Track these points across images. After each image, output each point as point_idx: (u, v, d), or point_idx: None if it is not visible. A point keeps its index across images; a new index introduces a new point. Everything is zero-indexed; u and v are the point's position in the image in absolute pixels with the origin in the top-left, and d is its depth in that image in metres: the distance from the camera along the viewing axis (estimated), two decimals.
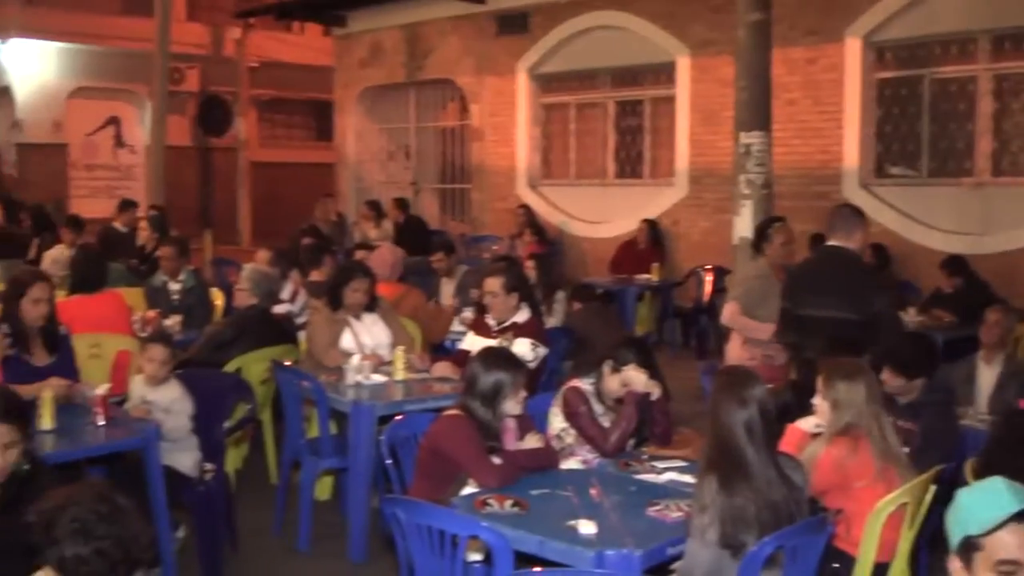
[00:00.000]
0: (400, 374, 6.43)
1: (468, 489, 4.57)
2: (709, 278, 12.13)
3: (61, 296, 6.83)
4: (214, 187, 25.49)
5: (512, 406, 4.81)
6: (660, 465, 4.90)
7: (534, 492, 4.44)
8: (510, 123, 15.70)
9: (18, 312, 5.80)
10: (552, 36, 14.91)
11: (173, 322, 8.11)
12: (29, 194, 19.66)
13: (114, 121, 25.32)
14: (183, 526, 5.82)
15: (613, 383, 5.31)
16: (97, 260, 7.78)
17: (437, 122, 17.95)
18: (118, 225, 13.14)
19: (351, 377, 6.28)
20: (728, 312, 7.37)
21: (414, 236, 13.13)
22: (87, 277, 7.41)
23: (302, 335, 7.52)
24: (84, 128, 24.70)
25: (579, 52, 14.74)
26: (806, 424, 4.72)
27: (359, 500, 6.01)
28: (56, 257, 10.61)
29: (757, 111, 9.36)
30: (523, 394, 4.88)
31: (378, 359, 6.66)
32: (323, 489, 6.86)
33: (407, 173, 18.43)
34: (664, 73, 13.87)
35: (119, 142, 25.43)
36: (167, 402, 5.76)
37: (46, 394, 5.23)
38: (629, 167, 14.76)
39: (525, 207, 14.86)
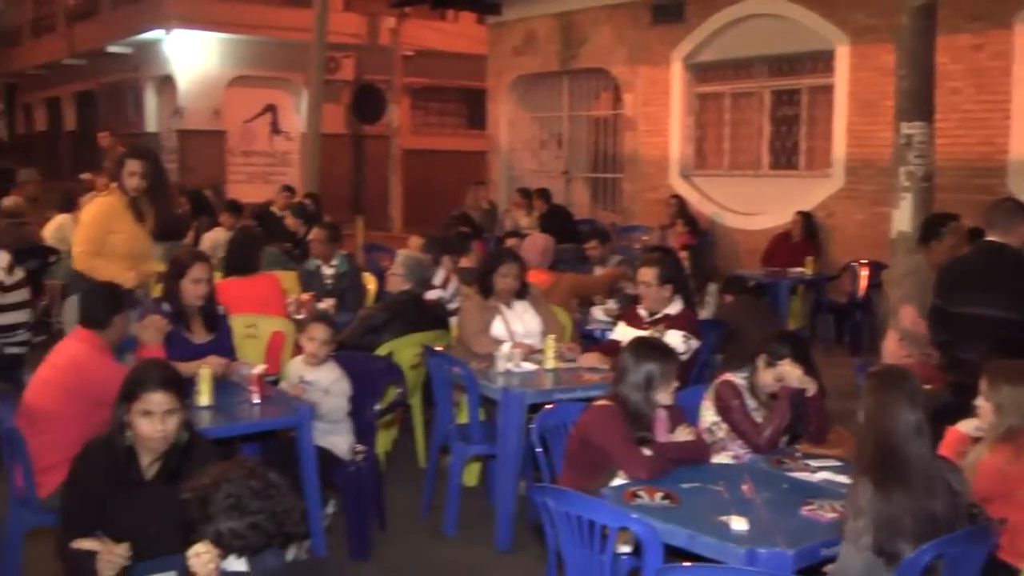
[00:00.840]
0: (550, 363, 6.40)
1: (617, 480, 4.52)
2: (864, 273, 11.80)
3: (218, 278, 6.99)
4: (366, 174, 25.93)
5: (663, 396, 4.75)
6: (814, 464, 4.77)
7: (685, 485, 4.37)
8: (664, 113, 15.53)
9: (179, 291, 5.96)
10: (708, 25, 14.69)
11: (327, 305, 8.24)
12: (188, 179, 20.28)
13: (271, 109, 25.97)
14: (332, 501, 5.90)
15: (767, 377, 5.19)
16: (255, 242, 7.93)
17: (590, 111, 17.87)
18: (275, 209, 13.46)
19: (501, 364, 6.28)
20: (909, 316, 7.02)
21: (558, 225, 13.10)
22: (245, 259, 7.56)
23: (453, 321, 7.55)
24: (242, 115, 25.40)
25: (735, 41, 14.50)
26: (966, 427, 4.54)
27: (506, 487, 6.01)
28: (215, 240, 10.90)
29: (919, 101, 9.05)
30: (674, 384, 4.81)
31: (529, 347, 6.64)
32: (471, 475, 6.88)
33: (559, 162, 18.41)
34: (822, 61, 13.54)
35: (275, 129, 26.08)
36: (327, 383, 5.85)
37: (204, 371, 5.36)
38: (784, 158, 14.47)
39: (677, 197, 14.70)
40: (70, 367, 5.05)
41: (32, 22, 33.70)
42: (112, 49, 26.54)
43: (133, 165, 6.86)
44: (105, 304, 5.34)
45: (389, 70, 24.34)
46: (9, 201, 11.81)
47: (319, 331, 5.94)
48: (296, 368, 6.00)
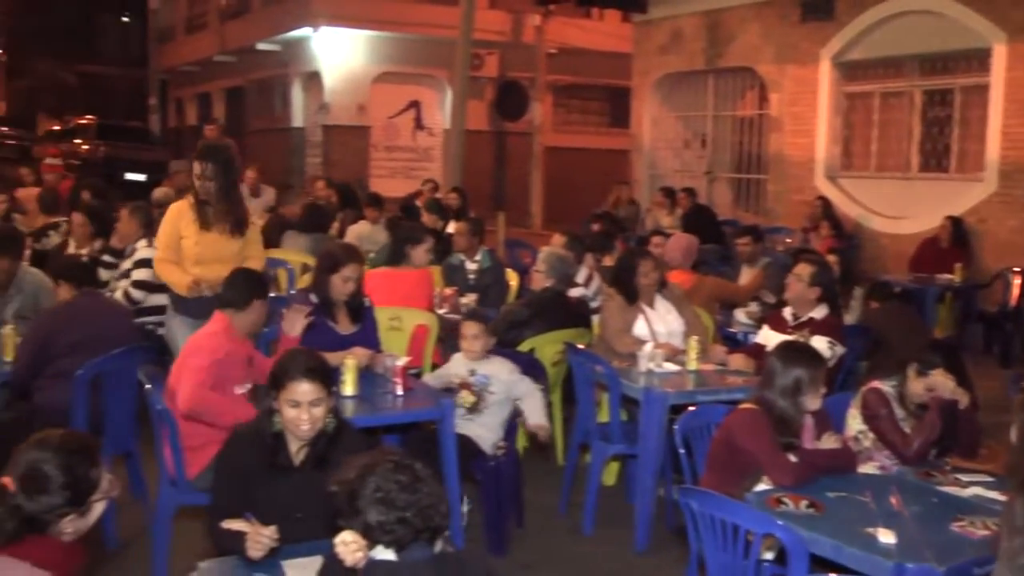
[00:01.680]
0: (693, 364, 6.35)
1: (761, 486, 4.47)
2: (1017, 281, 11.41)
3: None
4: (508, 171, 26.09)
5: (811, 402, 4.67)
6: (964, 478, 4.64)
7: (830, 494, 4.29)
8: (810, 113, 15.27)
9: (328, 284, 6.08)
10: (858, 22, 14.37)
11: (469, 300, 8.31)
12: (332, 173, 20.65)
13: (415, 105, 26.29)
14: (466, 498, 5.95)
15: (917, 387, 5.07)
16: (403, 235, 8.02)
17: (735, 111, 17.68)
18: (420, 203, 13.64)
19: (643, 364, 6.25)
20: None
21: (702, 225, 12.97)
22: (394, 251, 7.66)
23: (595, 319, 7.54)
24: (386, 111, 25.78)
25: (886, 38, 14.16)
26: None
27: (646, 488, 5.99)
28: (360, 233, 11.09)
29: None
30: (823, 390, 4.73)
31: (671, 348, 6.60)
32: (609, 474, 6.88)
33: (701, 162, 18.26)
34: (977, 60, 13.15)
35: (419, 125, 26.39)
36: (505, 376, 5.97)
37: (350, 361, 5.46)
38: (934, 160, 14.08)
39: (823, 199, 14.42)
40: (204, 352, 5.15)
41: (186, 20, 34.73)
42: (261, 46, 27.19)
43: (197, 167, 6.51)
44: (245, 287, 5.46)
45: (533, 67, 24.42)
46: (160, 192, 12.15)
47: (469, 327, 6.05)
48: (461, 364, 6.09)
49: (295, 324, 5.73)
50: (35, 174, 15.25)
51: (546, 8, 23.61)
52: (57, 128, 34.59)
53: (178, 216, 6.51)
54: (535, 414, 5.92)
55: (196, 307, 6.25)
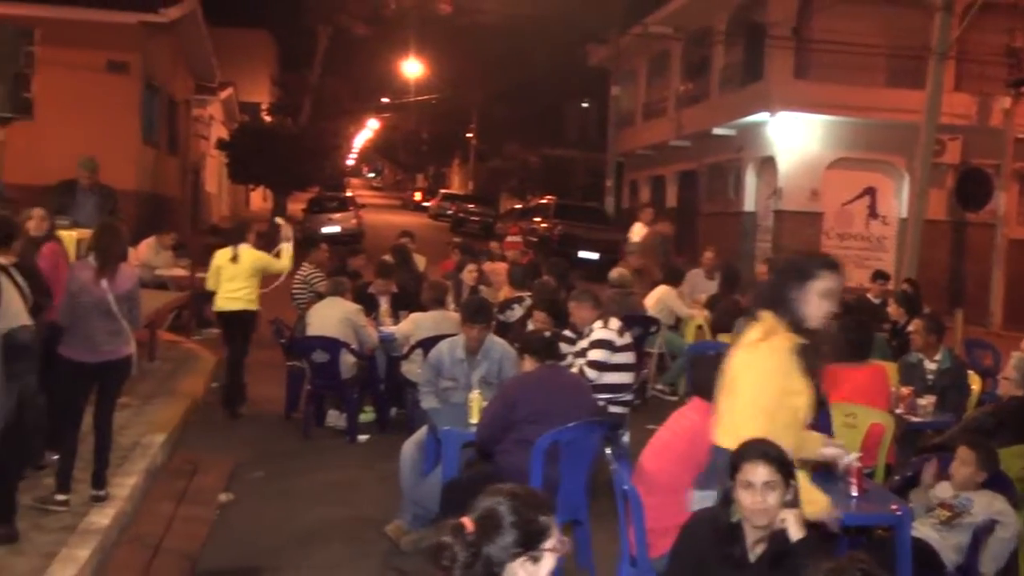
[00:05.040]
0: None
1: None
2: None
3: None
4: (966, 264, 24.78)
5: None
6: None
7: None
8: None
9: None
10: None
11: (926, 402, 7.90)
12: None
13: (869, 192, 25.67)
14: None
15: None
16: (865, 329, 7.80)
17: None
18: (870, 296, 13.25)
19: None
20: None
21: None
22: (855, 345, 7.45)
23: None
24: (840, 198, 25.33)
25: None
26: None
27: None
28: None
29: None
30: None
31: None
32: None
33: None
34: None
35: (872, 213, 25.71)
36: (988, 504, 5.69)
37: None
38: None
39: None
40: (686, 435, 5.24)
41: (644, 107, 35.94)
42: (717, 131, 27.62)
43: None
44: (716, 375, 5.46)
45: (999, 153, 23.15)
46: (616, 272, 12.58)
47: (965, 454, 5.80)
48: (946, 488, 5.84)
49: None
50: (501, 249, 16.32)
51: (1017, 90, 22.36)
52: (518, 206, 36.78)
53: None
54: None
55: None
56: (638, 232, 16.96)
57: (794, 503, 4.04)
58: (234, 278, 10.54)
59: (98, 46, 21.79)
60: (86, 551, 6.29)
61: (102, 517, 6.87)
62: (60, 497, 6.91)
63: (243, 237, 10.90)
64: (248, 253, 10.67)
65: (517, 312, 10.56)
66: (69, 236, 10.11)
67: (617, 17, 33.47)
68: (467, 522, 2.88)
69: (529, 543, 2.87)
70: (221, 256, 10.69)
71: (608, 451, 5.73)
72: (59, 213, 10.64)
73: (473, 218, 43.34)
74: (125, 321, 7.24)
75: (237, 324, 10.61)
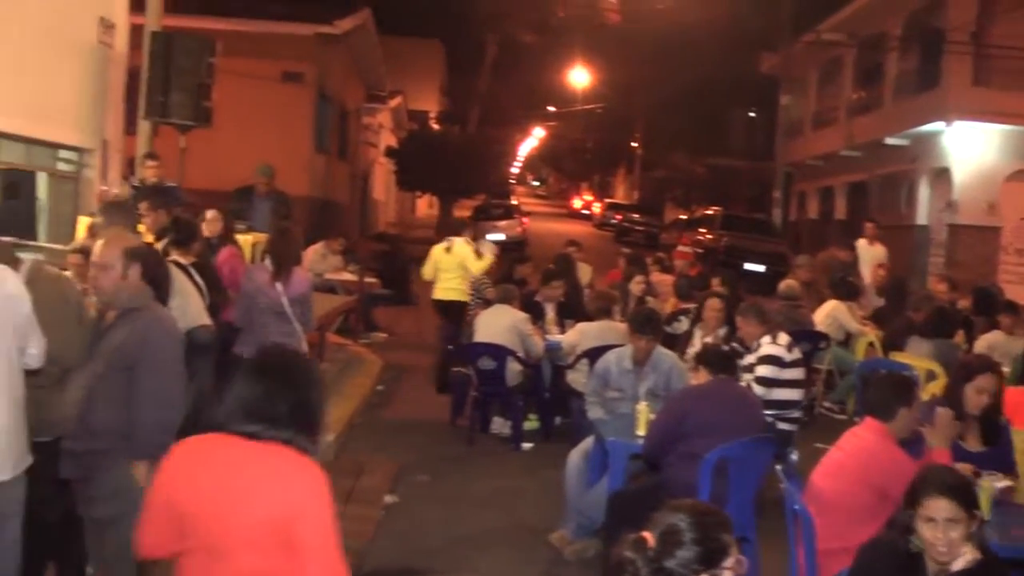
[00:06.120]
0: None
1: None
2: None
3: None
4: None
5: None
6: None
7: None
8: None
9: (960, 395, 5.79)
10: None
11: None
12: (957, 274, 19.81)
13: None
14: None
15: None
16: None
17: None
18: None
19: None
20: None
21: None
22: None
23: None
24: (1019, 212, 24.43)
25: None
26: None
27: None
28: (993, 342, 10.39)
29: None
30: None
31: None
32: None
33: None
34: None
35: None
36: None
37: (985, 484, 5.13)
38: None
39: None
40: (859, 455, 5.11)
41: (814, 115, 35.27)
42: (889, 141, 26.89)
43: None
44: (890, 395, 5.32)
45: None
46: (784, 285, 12.34)
47: None
48: None
49: (941, 437, 5.48)
50: (669, 260, 16.19)
51: None
52: (684, 217, 36.48)
53: None
54: None
55: None
56: (864, 249, 16.52)
57: (980, 535, 3.89)
58: (448, 269, 12.16)
59: (274, 57, 22.51)
60: None
61: None
62: None
63: (459, 232, 12.78)
64: (461, 246, 12.23)
65: (683, 324, 10.45)
66: (245, 240, 10.48)
67: (788, 24, 32.95)
68: (648, 537, 2.86)
69: (710, 561, 2.83)
70: (437, 249, 12.44)
71: (778, 468, 5.62)
72: (236, 218, 11.05)
73: (638, 228, 43.27)
74: (297, 323, 7.44)
75: (450, 312, 12.14)
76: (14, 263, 4.84)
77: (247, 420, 3.16)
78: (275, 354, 3.46)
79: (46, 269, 5.35)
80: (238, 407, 3.18)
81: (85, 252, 6.28)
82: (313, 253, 14.96)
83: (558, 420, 10.30)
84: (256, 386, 3.21)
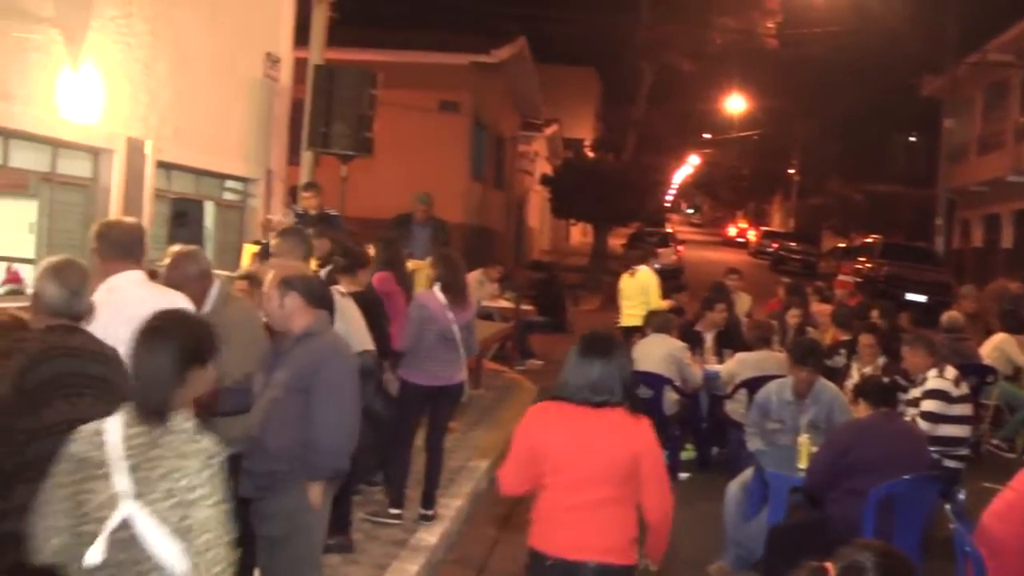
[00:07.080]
0: None
1: None
2: None
3: None
4: None
5: None
6: None
7: None
8: None
9: None
10: None
11: None
12: None
13: None
14: None
15: None
16: None
17: None
18: None
19: None
20: None
21: None
22: None
23: None
24: None
25: None
26: None
27: None
28: None
29: None
30: None
31: None
32: None
33: None
34: None
35: None
36: None
37: None
38: None
39: None
40: None
41: (979, 139, 34.16)
42: None
43: None
44: None
45: None
46: (947, 316, 12.00)
47: None
48: None
49: None
50: (828, 289, 15.91)
51: None
52: (842, 245, 35.73)
53: None
54: None
55: None
56: None
57: None
58: (630, 296, 12.39)
59: (431, 87, 22.91)
60: (415, 566, 6.62)
61: (430, 535, 7.20)
62: (394, 511, 7.32)
63: (645, 260, 12.99)
64: (645, 274, 12.47)
65: (842, 359, 10.24)
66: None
67: (953, 45, 32.06)
68: (830, 568, 2.86)
69: None
70: (624, 277, 12.75)
71: (947, 508, 5.48)
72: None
73: (794, 256, 42.55)
74: (462, 348, 7.56)
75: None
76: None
77: (594, 393, 4.18)
78: (604, 340, 4.36)
79: (233, 291, 5.55)
80: (584, 384, 4.19)
81: (251, 279, 6.51)
82: (471, 280, 15.12)
83: (715, 450, 10.22)
84: (598, 368, 4.21)
